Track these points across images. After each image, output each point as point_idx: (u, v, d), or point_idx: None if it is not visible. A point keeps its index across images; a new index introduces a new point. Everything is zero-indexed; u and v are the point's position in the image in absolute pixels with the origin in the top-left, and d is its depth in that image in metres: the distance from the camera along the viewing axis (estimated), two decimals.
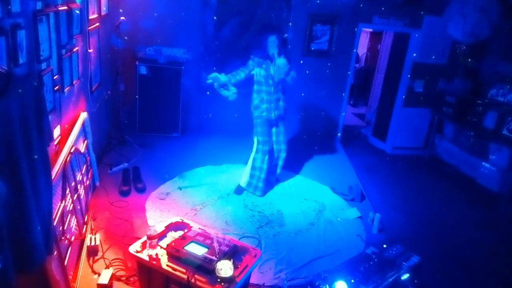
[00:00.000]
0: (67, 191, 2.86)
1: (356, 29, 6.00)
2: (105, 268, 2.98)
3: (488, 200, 5.08)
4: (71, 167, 3.03)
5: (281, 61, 4.09)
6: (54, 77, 2.81)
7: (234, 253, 2.56)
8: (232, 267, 2.37)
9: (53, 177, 2.25)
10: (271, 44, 4.07)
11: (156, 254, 2.53)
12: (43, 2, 2.54)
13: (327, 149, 6.13)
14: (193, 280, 2.33)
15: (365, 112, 8.13)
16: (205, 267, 2.38)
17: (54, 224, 2.35)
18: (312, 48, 6.01)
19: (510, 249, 4.13)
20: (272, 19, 5.77)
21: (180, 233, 2.74)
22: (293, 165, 5.24)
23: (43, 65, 2.60)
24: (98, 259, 3.11)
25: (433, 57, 6.09)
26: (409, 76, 6.16)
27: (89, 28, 3.89)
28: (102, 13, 4.52)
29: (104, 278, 2.81)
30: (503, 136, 5.07)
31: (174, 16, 5.56)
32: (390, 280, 2.74)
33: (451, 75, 6.13)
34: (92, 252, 3.13)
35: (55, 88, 2.82)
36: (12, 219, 1.66)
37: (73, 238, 2.88)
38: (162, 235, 2.73)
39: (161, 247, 2.59)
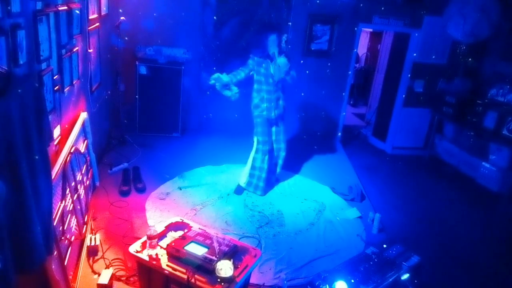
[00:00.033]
0: (67, 191, 2.86)
1: (356, 29, 6.00)
2: (105, 268, 2.98)
3: (488, 200, 5.08)
4: (71, 167, 3.03)
5: (281, 60, 4.09)
6: (54, 77, 2.81)
7: (234, 253, 2.56)
8: (232, 267, 2.37)
9: (53, 177, 2.25)
10: (272, 43, 4.07)
11: (156, 254, 2.53)
12: (43, 2, 2.54)
13: (327, 149, 6.14)
14: (193, 280, 2.33)
15: (365, 112, 8.13)
16: (205, 267, 2.38)
17: (54, 224, 2.35)
18: (312, 48, 6.01)
19: (510, 249, 4.13)
20: (272, 18, 5.77)
21: (180, 233, 2.74)
22: (293, 165, 5.25)
23: (43, 65, 2.60)
24: (98, 259, 3.11)
25: (433, 57, 6.09)
26: (409, 76, 6.16)
27: (89, 28, 3.89)
28: (102, 13, 4.52)
29: (104, 278, 2.81)
30: (503, 136, 5.07)
31: (174, 16, 5.57)
32: (390, 280, 2.74)
33: (451, 75, 6.13)
34: (92, 252, 3.13)
35: (55, 88, 2.82)
36: (12, 219, 1.66)
37: (73, 238, 2.88)
38: (162, 235, 2.73)
39: (161, 247, 2.59)
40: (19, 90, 1.71)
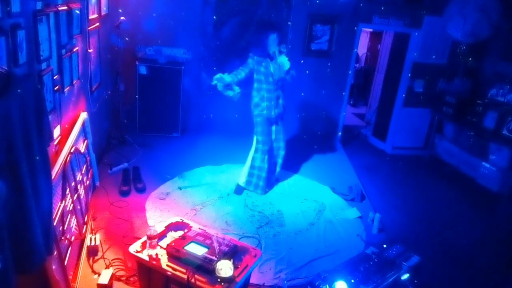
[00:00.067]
0: (67, 191, 2.86)
1: (356, 29, 6.00)
2: (105, 268, 2.98)
3: (488, 200, 5.08)
4: (71, 167, 3.03)
5: (282, 59, 4.09)
6: (54, 77, 2.81)
7: (234, 253, 2.56)
8: (232, 267, 2.37)
9: (53, 177, 2.25)
10: (272, 42, 4.06)
11: (156, 254, 2.53)
12: (43, 2, 2.54)
13: (327, 149, 6.14)
14: (193, 280, 2.32)
15: (365, 112, 8.13)
16: (205, 267, 2.38)
17: (54, 224, 2.35)
18: (312, 48, 6.01)
19: (510, 249, 4.13)
20: (272, 18, 5.78)
21: (180, 233, 2.74)
22: (293, 165, 5.25)
23: (43, 65, 2.60)
24: (98, 259, 3.11)
25: (433, 57, 6.09)
26: (410, 73, 6.15)
27: (89, 28, 3.89)
28: (102, 13, 4.52)
29: (104, 278, 2.81)
30: (503, 136, 5.07)
31: (174, 16, 5.57)
32: (390, 280, 2.74)
33: (451, 75, 6.13)
34: (92, 252, 3.13)
35: (55, 88, 2.82)
36: (12, 219, 1.66)
37: (73, 238, 2.88)
38: (162, 235, 2.73)
39: (161, 247, 2.59)
40: (19, 90, 1.70)
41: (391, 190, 5.12)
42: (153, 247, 2.58)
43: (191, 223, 2.90)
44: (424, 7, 5.87)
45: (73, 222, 2.98)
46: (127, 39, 5.32)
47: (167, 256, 2.52)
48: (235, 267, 2.42)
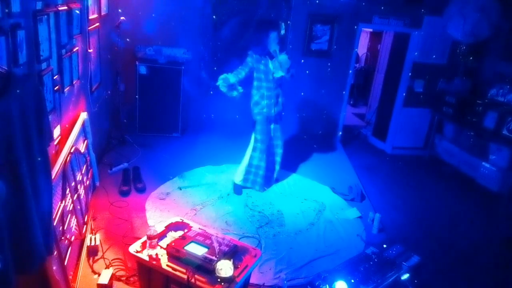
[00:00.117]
0: (67, 191, 2.86)
1: (356, 29, 6.00)
2: (105, 268, 2.98)
3: (488, 200, 5.08)
4: (71, 167, 3.03)
5: (283, 57, 4.09)
6: (54, 77, 2.81)
7: (234, 253, 2.56)
8: (232, 267, 2.37)
9: (53, 177, 2.25)
10: (272, 40, 4.06)
11: (156, 254, 2.53)
12: (43, 2, 2.54)
13: (327, 149, 6.14)
14: (193, 280, 2.33)
15: (365, 112, 8.13)
16: (205, 267, 2.38)
17: (54, 224, 2.35)
18: (312, 48, 6.01)
19: (510, 249, 4.13)
20: (272, 17, 5.78)
21: (180, 233, 2.74)
22: (293, 165, 5.25)
23: (43, 65, 2.60)
24: (98, 259, 3.11)
25: (434, 56, 6.09)
26: (410, 74, 6.15)
27: (89, 28, 3.89)
28: (102, 13, 4.52)
29: (104, 278, 2.81)
30: (503, 136, 5.07)
31: (174, 16, 5.57)
32: (390, 280, 2.74)
33: (451, 75, 6.13)
34: (92, 252, 3.13)
35: (55, 88, 2.82)
36: (12, 219, 1.66)
37: (73, 238, 2.88)
38: (162, 235, 2.73)
39: (161, 247, 2.59)
40: (19, 90, 1.70)
41: (391, 190, 5.12)
42: (153, 247, 2.58)
43: (191, 223, 2.90)
44: (424, 7, 5.87)
45: (73, 222, 2.98)
46: (128, 39, 5.32)
47: (167, 256, 2.52)
48: (235, 267, 2.42)
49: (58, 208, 2.58)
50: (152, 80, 5.46)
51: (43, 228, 1.90)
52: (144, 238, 2.63)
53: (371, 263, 2.85)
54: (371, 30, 8.57)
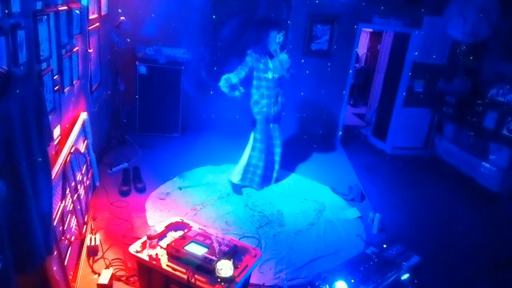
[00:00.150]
0: (67, 191, 2.86)
1: (356, 29, 6.00)
2: (105, 268, 2.98)
3: (488, 200, 5.08)
4: (71, 167, 3.03)
5: (283, 56, 4.09)
6: (54, 77, 2.81)
7: (234, 253, 2.56)
8: (232, 267, 2.37)
9: (53, 177, 2.25)
10: (273, 40, 4.06)
11: (156, 254, 2.53)
12: (43, 2, 2.54)
13: (327, 149, 6.14)
14: (193, 280, 2.32)
15: (365, 112, 8.13)
16: (205, 267, 2.38)
17: (54, 224, 2.35)
18: (312, 48, 6.01)
19: (510, 249, 4.13)
20: (271, 16, 5.78)
21: (180, 233, 2.74)
22: (293, 165, 5.25)
23: (43, 65, 2.60)
24: (98, 259, 3.11)
25: (434, 56, 6.09)
26: (410, 73, 6.15)
27: (89, 28, 3.89)
28: (102, 13, 4.52)
29: (104, 278, 2.81)
30: (503, 136, 5.07)
31: (174, 16, 5.57)
32: (390, 280, 2.74)
33: (451, 75, 6.13)
34: (92, 252, 3.13)
35: (55, 88, 2.82)
36: (12, 219, 1.66)
37: (73, 238, 2.88)
38: (162, 235, 2.72)
39: (161, 247, 2.59)
40: (19, 90, 1.70)
41: (391, 190, 5.12)
42: (153, 247, 2.58)
43: (191, 223, 2.90)
44: (424, 7, 5.87)
45: (73, 222, 2.98)
46: (128, 40, 5.32)
47: (167, 256, 2.52)
48: (235, 267, 2.42)
49: (58, 208, 2.58)
50: (152, 80, 5.46)
51: (43, 228, 1.90)
52: (144, 238, 2.63)
53: (371, 263, 2.85)
54: (371, 30, 8.57)
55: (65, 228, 2.70)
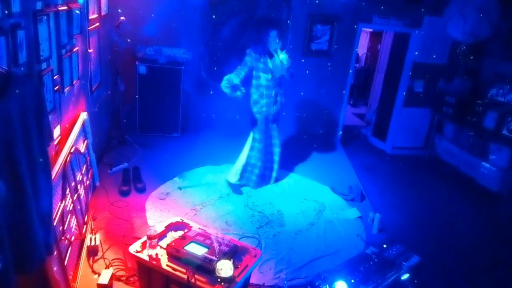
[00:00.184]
0: (67, 191, 2.86)
1: (356, 29, 6.00)
2: (105, 268, 2.98)
3: (488, 200, 5.08)
4: (71, 167, 3.03)
5: (283, 56, 4.09)
6: (54, 77, 2.81)
7: (234, 253, 2.56)
8: (232, 267, 2.37)
9: (53, 177, 2.25)
10: (273, 39, 4.06)
11: (156, 254, 2.53)
12: (43, 2, 2.54)
13: (327, 149, 6.14)
14: (193, 280, 2.32)
15: (365, 112, 8.13)
16: (205, 267, 2.38)
17: (54, 224, 2.35)
18: (312, 48, 6.00)
19: (510, 249, 4.13)
20: (271, 16, 5.78)
21: (180, 233, 2.74)
22: (293, 165, 5.25)
23: (43, 65, 2.60)
24: (98, 259, 3.11)
25: (434, 56, 6.09)
26: (410, 73, 6.15)
27: (89, 28, 3.89)
28: (102, 13, 4.52)
29: (104, 278, 2.81)
30: (503, 136, 5.07)
31: (174, 16, 5.56)
32: (390, 280, 2.74)
33: (451, 75, 6.13)
34: (92, 252, 3.13)
35: (55, 88, 2.82)
36: (12, 219, 1.66)
37: (73, 238, 2.88)
38: (162, 235, 2.73)
39: (161, 247, 2.59)
40: (19, 90, 1.70)
41: (391, 190, 5.12)
42: (153, 247, 2.58)
43: (191, 223, 2.90)
44: (424, 7, 5.87)
45: (73, 222, 2.98)
46: (128, 40, 5.32)
47: (167, 256, 2.52)
48: (235, 267, 2.42)
49: (58, 208, 2.58)
50: (152, 80, 5.46)
51: (43, 228, 1.90)
52: (144, 238, 2.63)
53: (371, 263, 2.85)
54: (371, 30, 8.57)
55: (65, 228, 2.70)
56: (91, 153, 3.91)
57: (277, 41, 4.08)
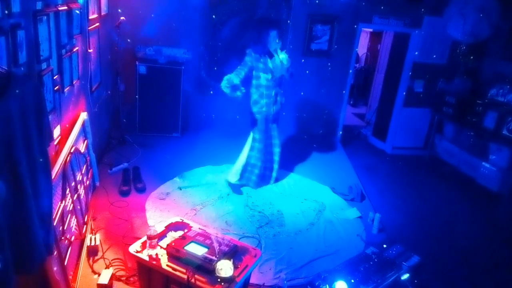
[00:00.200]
0: (67, 191, 2.86)
1: (356, 29, 6.00)
2: (105, 268, 2.98)
3: (488, 200, 5.08)
4: (71, 167, 3.03)
5: (283, 56, 4.09)
6: (54, 77, 2.81)
7: (234, 253, 2.56)
8: (232, 267, 2.37)
9: (53, 177, 2.25)
10: (273, 39, 4.06)
11: (156, 254, 2.53)
12: (43, 2, 2.54)
13: (327, 149, 6.14)
14: (193, 280, 2.32)
15: (365, 112, 8.13)
16: (205, 267, 2.38)
17: (54, 224, 2.35)
18: (312, 48, 6.00)
19: (510, 249, 4.13)
20: (271, 15, 5.78)
21: (180, 233, 2.74)
22: (293, 165, 5.25)
23: (43, 65, 2.60)
24: (98, 259, 3.11)
25: (434, 56, 6.09)
26: (410, 73, 6.15)
27: (89, 28, 3.89)
28: (102, 13, 4.52)
29: (104, 278, 2.81)
30: (503, 136, 5.07)
31: (174, 16, 5.56)
32: (390, 280, 2.74)
33: (451, 75, 6.13)
34: (92, 252, 3.13)
35: (55, 88, 2.82)
36: (12, 219, 1.66)
37: (73, 238, 2.88)
38: (162, 235, 2.73)
39: (161, 247, 2.59)
40: (19, 90, 1.70)
41: (391, 190, 5.12)
42: (153, 247, 2.58)
43: (191, 223, 2.90)
44: (424, 7, 5.87)
45: (73, 222, 2.98)
46: (128, 40, 5.32)
47: (167, 256, 2.52)
48: (235, 267, 2.42)
49: (58, 208, 2.58)
50: (152, 80, 5.46)
51: (43, 228, 1.90)
52: (144, 238, 2.63)
53: (371, 263, 2.85)
54: (371, 30, 8.57)
55: (65, 228, 2.70)
56: (91, 153, 3.91)
57: (277, 41, 4.08)
